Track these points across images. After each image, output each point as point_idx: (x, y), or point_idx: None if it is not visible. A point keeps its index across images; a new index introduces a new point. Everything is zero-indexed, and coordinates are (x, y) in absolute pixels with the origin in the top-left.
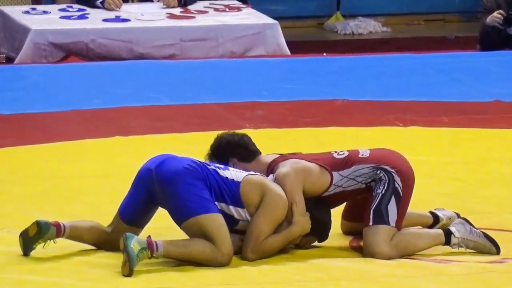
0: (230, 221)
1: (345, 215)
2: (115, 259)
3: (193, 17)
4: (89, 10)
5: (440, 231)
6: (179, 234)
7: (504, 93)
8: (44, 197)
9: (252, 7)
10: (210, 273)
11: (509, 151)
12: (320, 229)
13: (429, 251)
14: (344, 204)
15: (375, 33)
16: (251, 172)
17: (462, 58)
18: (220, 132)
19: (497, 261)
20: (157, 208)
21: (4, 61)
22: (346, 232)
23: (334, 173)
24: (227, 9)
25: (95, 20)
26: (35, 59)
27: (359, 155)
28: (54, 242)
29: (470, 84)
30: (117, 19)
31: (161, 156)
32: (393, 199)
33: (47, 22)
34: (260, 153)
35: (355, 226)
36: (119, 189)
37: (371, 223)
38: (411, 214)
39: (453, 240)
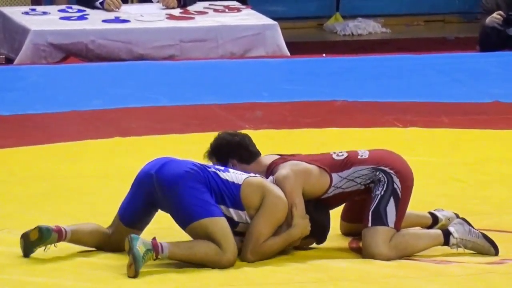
0: (230, 223)
1: (344, 216)
2: (116, 260)
3: (193, 18)
4: (88, 11)
5: (439, 231)
6: (180, 234)
7: (504, 93)
8: (44, 198)
9: (251, 8)
10: (211, 274)
11: (509, 151)
12: (319, 232)
13: (429, 252)
14: (343, 205)
15: (375, 34)
16: (251, 174)
17: (461, 59)
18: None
19: (497, 262)
20: (157, 210)
21: (3, 62)
22: (345, 233)
23: (334, 175)
24: (226, 10)
25: (95, 21)
26: (34, 60)
27: (358, 156)
28: (55, 246)
29: (469, 85)
30: (117, 20)
31: (161, 159)
32: (392, 200)
33: (46, 23)
34: (260, 154)
35: (354, 227)
36: (119, 189)
37: (370, 224)
38: (410, 214)
39: (452, 240)
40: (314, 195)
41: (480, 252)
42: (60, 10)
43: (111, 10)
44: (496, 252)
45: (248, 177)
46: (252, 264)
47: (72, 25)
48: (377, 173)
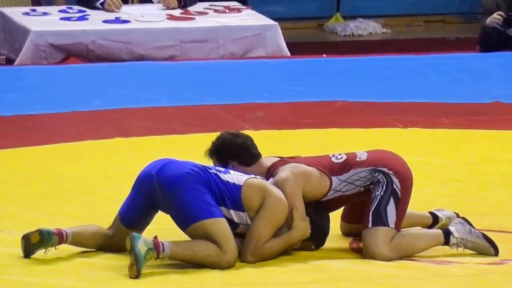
0: (230, 225)
1: (344, 217)
2: (116, 260)
3: (193, 19)
4: (89, 11)
5: (440, 231)
6: (180, 235)
7: (504, 94)
8: (44, 198)
9: (252, 8)
10: (211, 275)
11: (509, 152)
12: (318, 235)
13: (429, 252)
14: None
15: (375, 34)
16: (252, 176)
17: (462, 59)
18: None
19: (497, 262)
20: (158, 211)
21: (4, 63)
22: (346, 233)
23: (333, 178)
24: (227, 11)
25: (95, 21)
26: (35, 60)
27: (357, 159)
28: (55, 248)
29: (470, 85)
30: (117, 20)
31: (162, 160)
32: (391, 200)
33: (47, 23)
34: (261, 156)
35: (355, 228)
36: (119, 189)
37: (370, 225)
38: (410, 214)
39: (452, 240)
40: (314, 197)
41: (480, 252)
42: (60, 11)
43: (112, 11)
44: (496, 252)
45: (248, 178)
46: (252, 265)
47: (72, 25)
48: (376, 174)
